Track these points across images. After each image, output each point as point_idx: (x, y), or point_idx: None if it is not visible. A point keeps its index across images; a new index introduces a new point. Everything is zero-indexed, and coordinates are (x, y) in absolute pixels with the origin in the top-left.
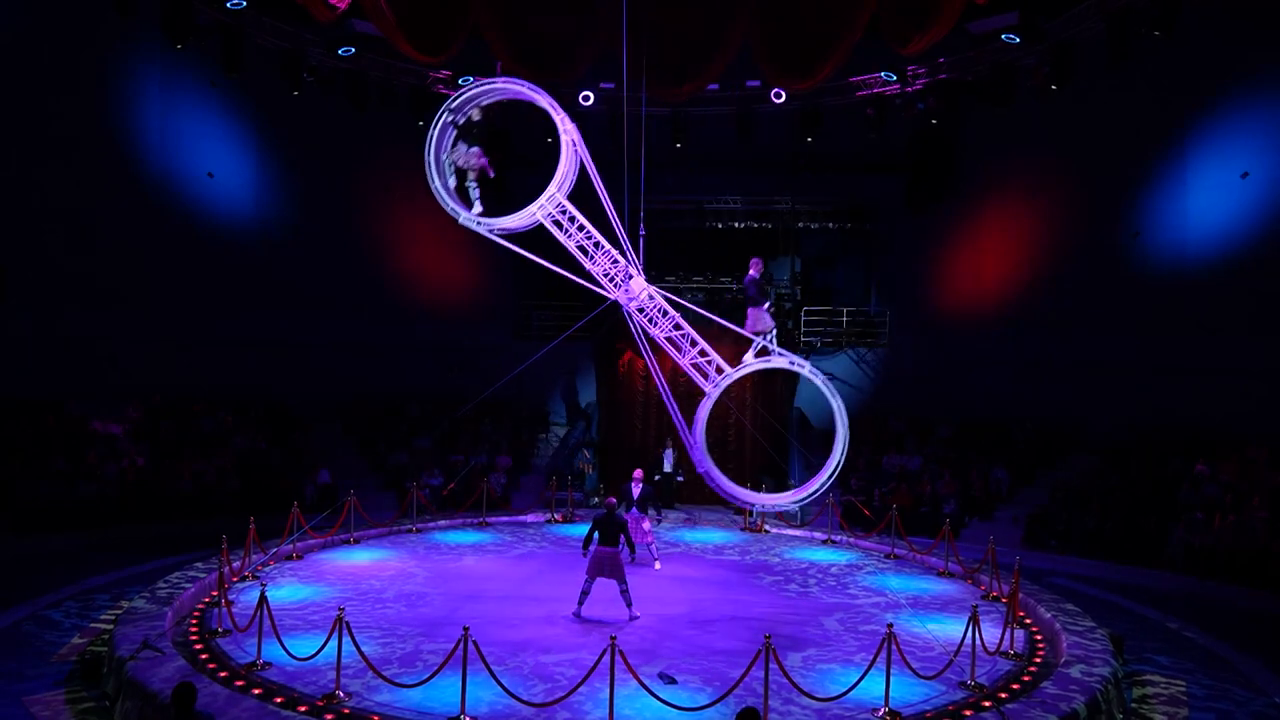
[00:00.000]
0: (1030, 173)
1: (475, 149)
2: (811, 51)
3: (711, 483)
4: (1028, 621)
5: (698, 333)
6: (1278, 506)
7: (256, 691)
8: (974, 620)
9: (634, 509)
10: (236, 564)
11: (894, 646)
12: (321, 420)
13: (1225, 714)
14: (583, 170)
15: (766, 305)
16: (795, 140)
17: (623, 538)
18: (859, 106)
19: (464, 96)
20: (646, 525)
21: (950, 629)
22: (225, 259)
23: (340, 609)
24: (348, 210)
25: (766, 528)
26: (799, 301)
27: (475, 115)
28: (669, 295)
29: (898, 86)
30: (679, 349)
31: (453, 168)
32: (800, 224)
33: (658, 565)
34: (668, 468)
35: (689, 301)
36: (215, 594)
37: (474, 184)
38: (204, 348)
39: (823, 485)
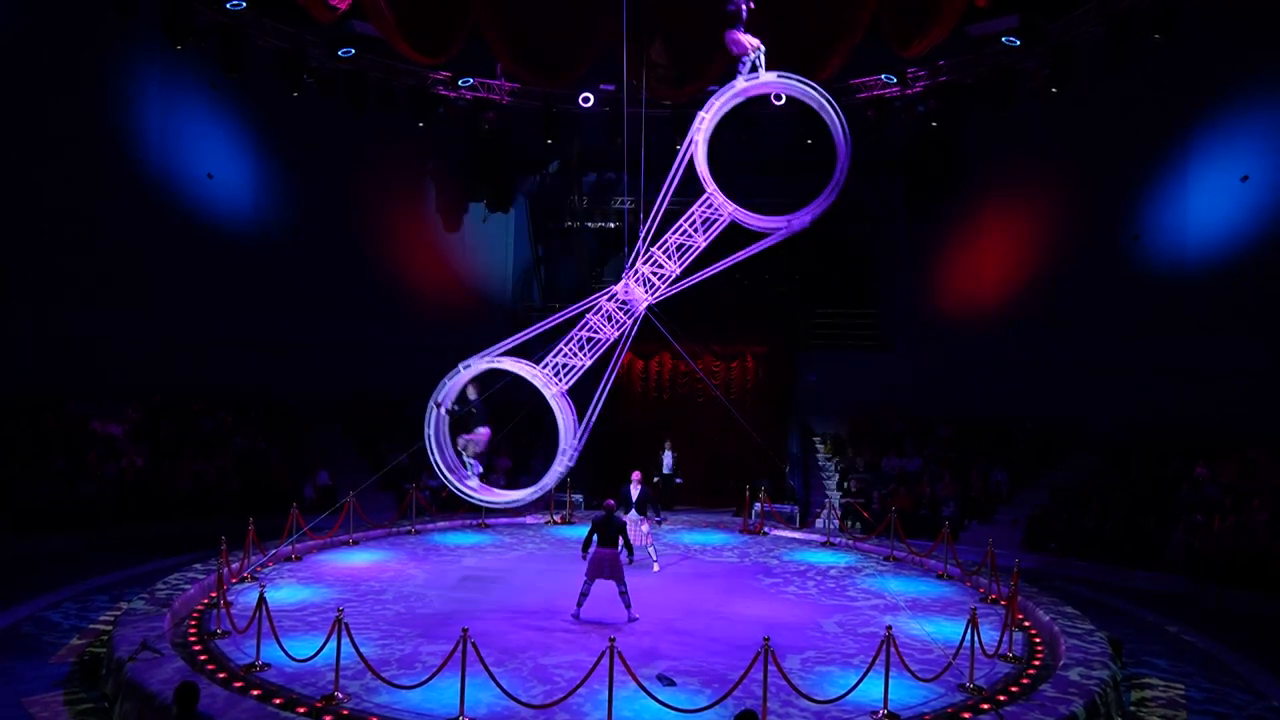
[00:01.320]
0: (1030, 174)
1: (482, 430)
2: (811, 53)
3: (434, 458)
4: (1026, 624)
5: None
6: (1278, 508)
7: (255, 693)
8: (973, 623)
9: (632, 510)
10: (235, 565)
11: (893, 649)
12: (321, 421)
13: (1224, 717)
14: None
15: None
16: (796, 141)
17: (621, 539)
18: (859, 108)
19: (441, 392)
20: (645, 527)
21: (949, 631)
22: (225, 259)
23: (339, 610)
24: (347, 211)
25: (765, 530)
26: (800, 303)
27: (471, 394)
28: (651, 316)
29: (898, 89)
30: (690, 246)
31: (469, 455)
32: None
33: (656, 567)
34: (667, 470)
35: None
36: (214, 595)
37: (474, 461)
38: (204, 348)
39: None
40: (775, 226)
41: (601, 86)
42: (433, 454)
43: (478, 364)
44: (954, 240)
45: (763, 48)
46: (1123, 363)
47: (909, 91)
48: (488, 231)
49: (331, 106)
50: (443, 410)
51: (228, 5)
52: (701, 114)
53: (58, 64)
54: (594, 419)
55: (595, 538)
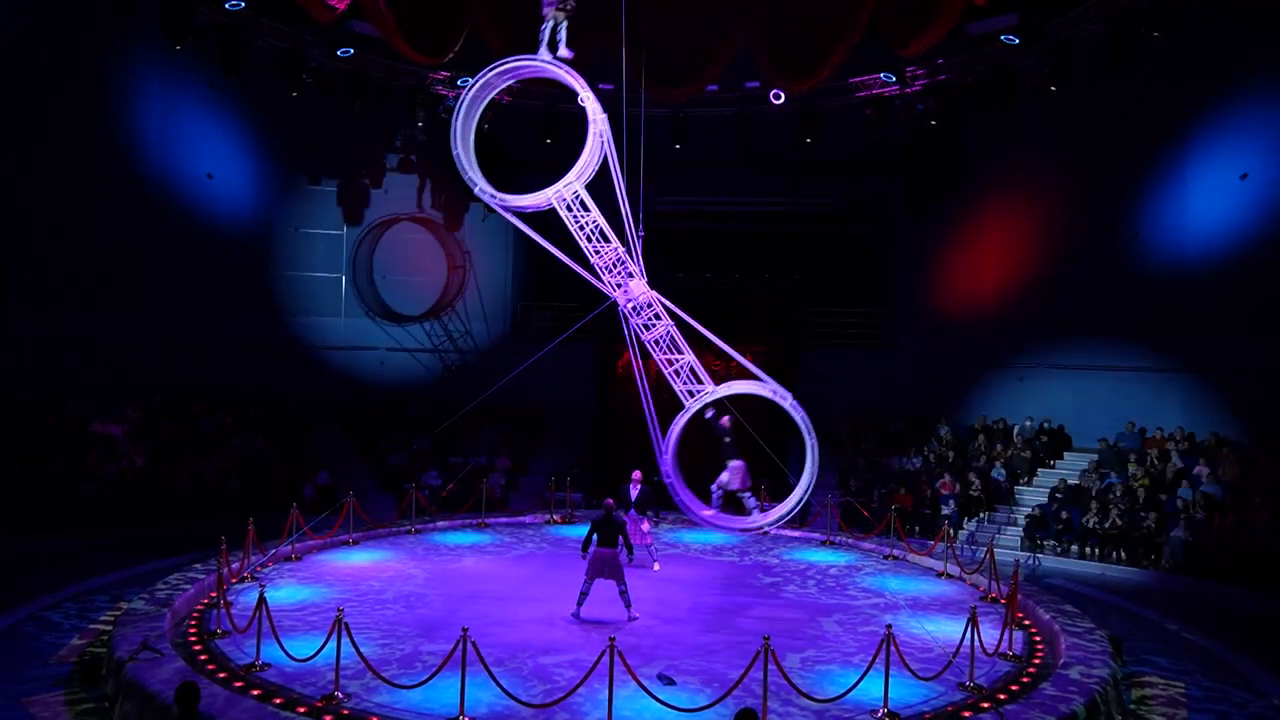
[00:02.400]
0: (1030, 173)
1: (735, 463)
2: (811, 52)
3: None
4: (1026, 623)
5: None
6: (1278, 507)
7: (255, 693)
8: (973, 621)
9: (632, 510)
10: (236, 565)
11: (893, 647)
12: (321, 421)
13: (1224, 716)
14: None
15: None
16: (795, 141)
17: (621, 539)
18: (858, 108)
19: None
20: (645, 527)
21: (949, 630)
22: (225, 259)
23: (339, 610)
24: (347, 211)
25: (766, 529)
26: (800, 302)
27: (724, 423)
28: (666, 303)
29: (897, 88)
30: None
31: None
32: (799, 225)
33: (656, 567)
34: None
35: (687, 315)
36: (214, 595)
37: (748, 496)
38: (204, 348)
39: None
40: (545, 200)
41: (601, 86)
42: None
43: (690, 406)
44: (953, 239)
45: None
46: (1122, 362)
47: (908, 90)
48: (487, 231)
49: (331, 106)
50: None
51: (227, 5)
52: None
53: (57, 64)
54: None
55: (595, 538)
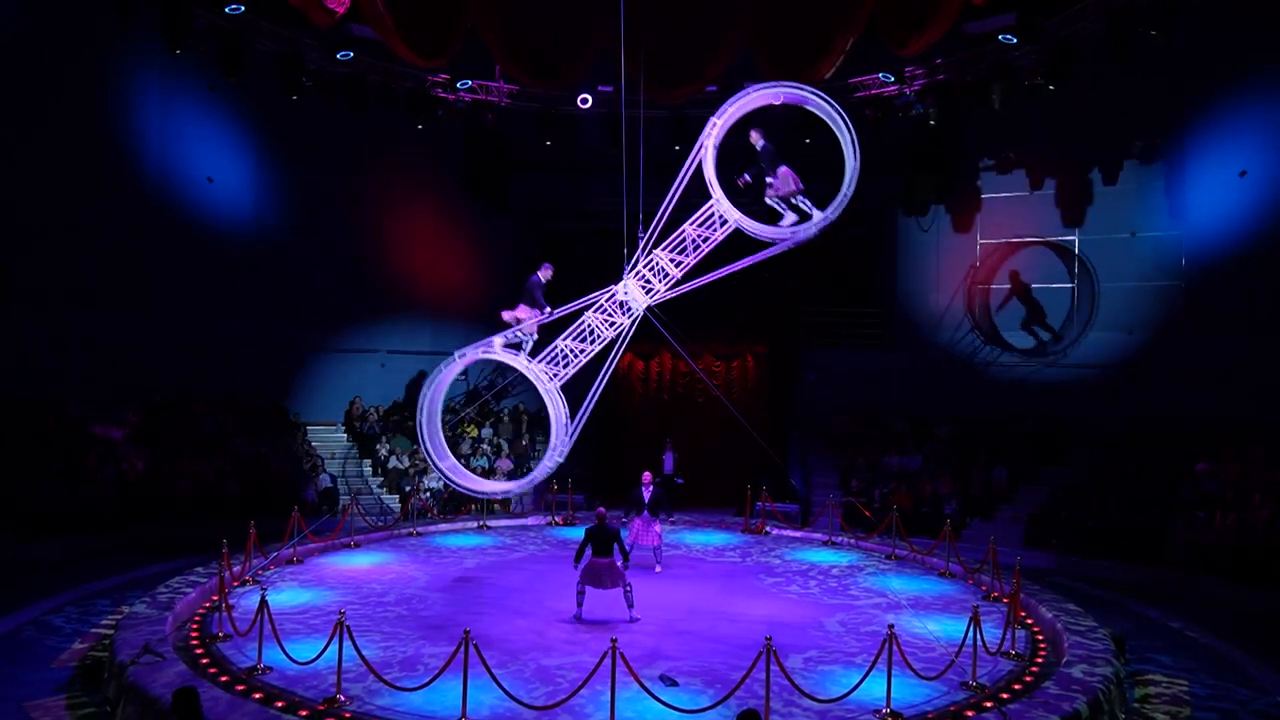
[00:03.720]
0: (1029, 172)
1: (784, 169)
2: (809, 53)
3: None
4: (1029, 622)
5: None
6: (1278, 504)
7: (257, 696)
8: (975, 621)
9: (645, 512)
10: (237, 568)
11: (895, 647)
12: (322, 423)
13: (1228, 714)
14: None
15: (538, 308)
16: (794, 141)
17: (616, 546)
18: (857, 108)
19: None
20: (658, 528)
21: (951, 629)
22: (225, 261)
23: (341, 613)
24: (347, 213)
25: (767, 529)
26: (800, 302)
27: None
28: (653, 318)
29: (896, 88)
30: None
31: (775, 199)
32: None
33: (658, 569)
34: (668, 470)
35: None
36: (216, 598)
37: (802, 199)
38: (204, 350)
39: (538, 477)
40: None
41: (600, 88)
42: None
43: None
44: (953, 237)
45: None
46: (1122, 359)
47: (907, 90)
48: (486, 233)
49: (331, 109)
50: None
51: (226, 9)
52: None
53: (57, 66)
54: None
55: (590, 547)
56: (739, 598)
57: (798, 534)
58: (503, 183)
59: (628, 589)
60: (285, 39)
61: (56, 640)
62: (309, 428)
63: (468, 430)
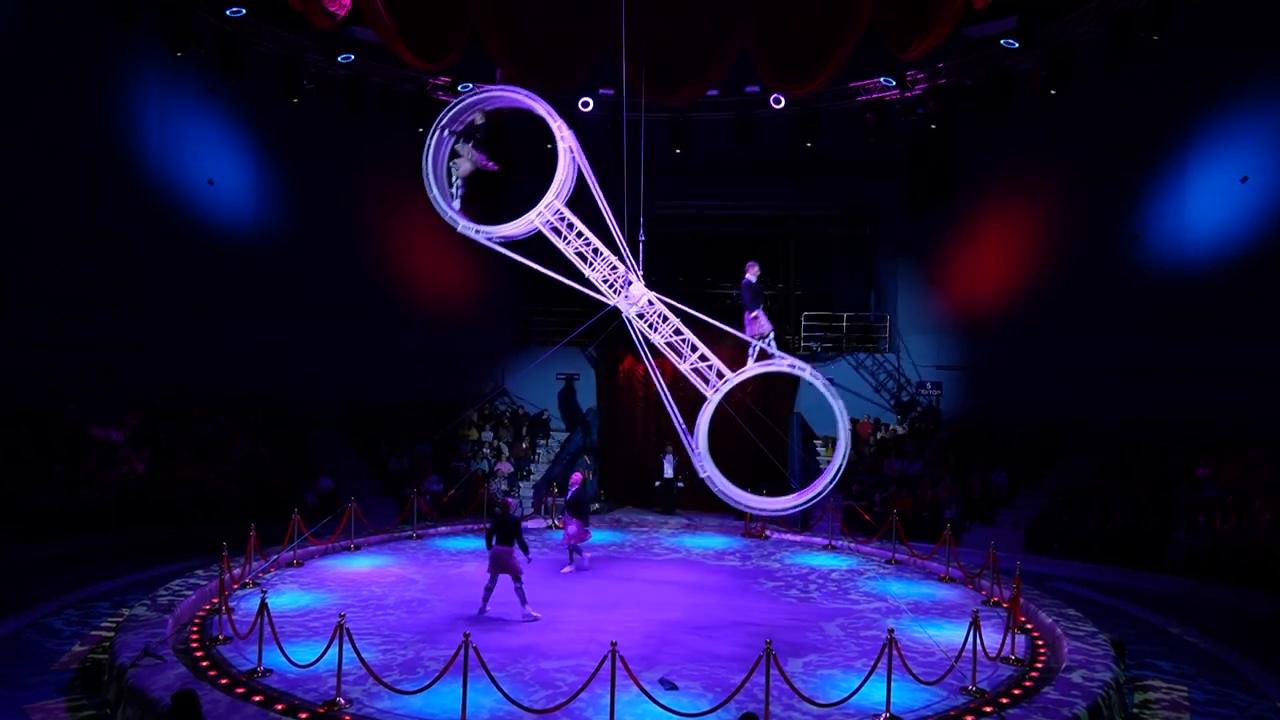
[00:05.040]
0: (1030, 175)
1: (760, 314)
2: (810, 57)
3: (714, 488)
4: (1029, 626)
5: (698, 337)
6: (1279, 508)
7: (257, 698)
8: (975, 625)
9: (565, 511)
10: (237, 571)
11: (895, 652)
12: (322, 426)
13: (1227, 719)
14: (582, 177)
15: (760, 309)
16: (795, 145)
17: (516, 539)
18: (858, 111)
19: (460, 105)
20: (572, 529)
21: (951, 634)
22: (225, 264)
23: (341, 615)
24: (348, 215)
25: (767, 533)
26: (799, 306)
27: (478, 119)
28: (668, 301)
29: (897, 91)
30: (679, 354)
31: (455, 170)
32: (800, 228)
33: (566, 569)
34: (668, 473)
35: (687, 306)
36: (216, 601)
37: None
38: (204, 353)
39: (824, 489)
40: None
41: (600, 91)
42: (431, 190)
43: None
44: (954, 241)
45: (772, 332)
46: (1123, 363)
47: (908, 94)
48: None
49: (331, 112)
50: (455, 126)
51: (227, 12)
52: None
53: (57, 69)
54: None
55: (494, 537)
56: (739, 601)
57: (798, 538)
58: (503, 185)
59: (518, 586)
60: (286, 42)
61: (57, 643)
62: (310, 429)
63: (467, 433)
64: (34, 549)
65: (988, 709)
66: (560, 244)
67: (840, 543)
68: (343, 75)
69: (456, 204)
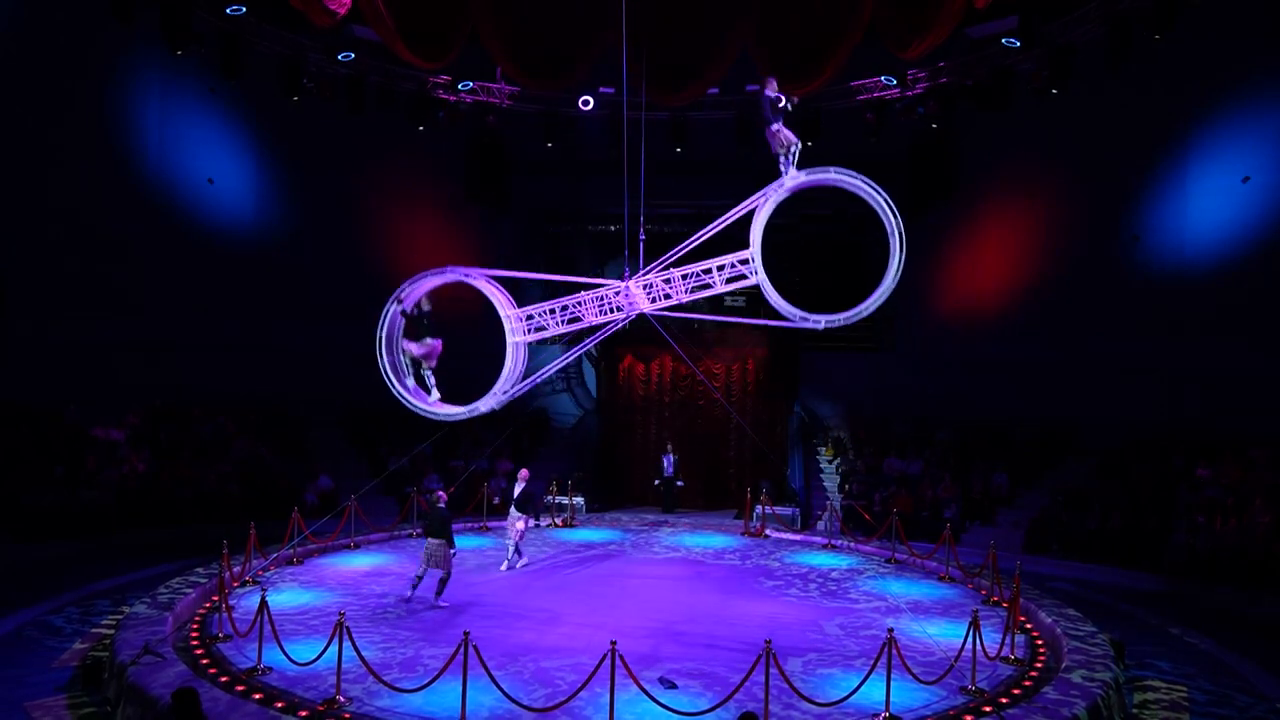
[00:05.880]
0: (1031, 175)
1: (433, 340)
2: (810, 56)
3: (381, 352)
4: (1029, 626)
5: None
6: (1279, 509)
7: (257, 696)
8: (975, 625)
9: (512, 507)
10: (237, 569)
11: (895, 651)
12: (322, 425)
13: (1227, 719)
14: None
15: (781, 122)
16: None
17: (447, 533)
18: (859, 111)
19: (408, 288)
20: (520, 525)
21: (951, 634)
22: (225, 264)
23: (341, 614)
24: (348, 214)
25: (767, 532)
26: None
27: (425, 305)
28: (662, 277)
29: (897, 91)
30: (709, 285)
31: (408, 360)
32: (800, 227)
33: (504, 567)
34: (668, 472)
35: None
36: (216, 599)
37: (429, 372)
38: (204, 352)
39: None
40: (797, 315)
41: (601, 90)
42: (381, 355)
43: (454, 273)
44: (954, 241)
45: (799, 144)
46: (1123, 363)
47: (908, 93)
48: (487, 234)
49: (331, 111)
50: (400, 308)
51: (227, 11)
52: (779, 184)
53: (57, 70)
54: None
55: (427, 529)
56: (738, 600)
57: (797, 537)
58: (504, 184)
59: (444, 577)
60: (286, 41)
61: (57, 640)
62: (310, 429)
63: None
64: (34, 549)
65: (987, 709)
66: (552, 331)
67: (840, 542)
68: (343, 74)
69: (410, 382)
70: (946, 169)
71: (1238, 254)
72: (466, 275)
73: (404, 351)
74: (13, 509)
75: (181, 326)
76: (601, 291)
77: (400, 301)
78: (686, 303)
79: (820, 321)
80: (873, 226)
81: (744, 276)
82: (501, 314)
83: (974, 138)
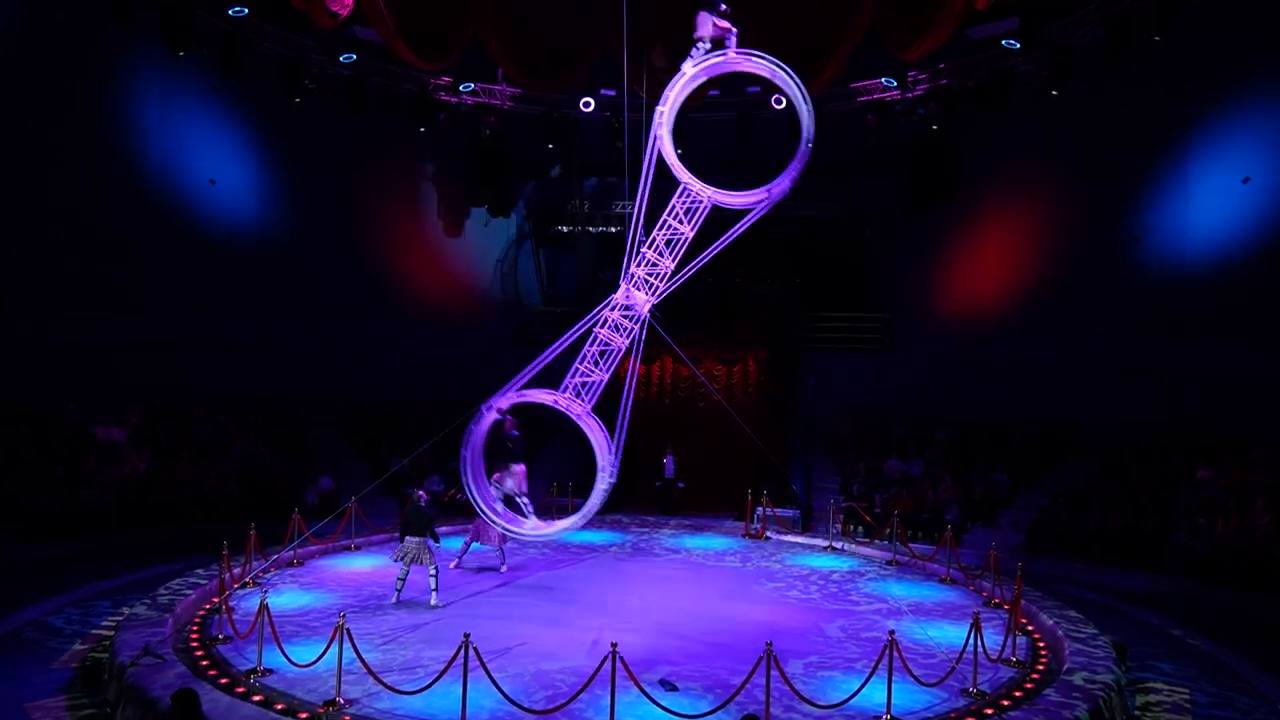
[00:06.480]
0: (1031, 176)
1: (517, 466)
2: (811, 57)
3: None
4: (1030, 628)
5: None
6: (1279, 510)
7: (257, 698)
8: (976, 627)
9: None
10: (237, 570)
11: (896, 653)
12: (322, 425)
13: None
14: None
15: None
16: (796, 145)
17: (429, 531)
18: (860, 112)
19: (473, 434)
20: (494, 532)
21: (952, 636)
22: (226, 263)
23: (341, 615)
24: (348, 215)
25: (768, 534)
26: (800, 306)
27: (509, 428)
28: (654, 328)
29: (898, 92)
30: (678, 235)
31: (499, 491)
32: (801, 229)
33: (503, 568)
34: (669, 475)
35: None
36: (216, 600)
37: (525, 500)
38: (205, 352)
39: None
40: (756, 199)
41: (602, 91)
42: (472, 496)
43: (499, 402)
44: (954, 242)
45: (735, 31)
46: (1124, 364)
47: (909, 95)
48: (489, 236)
49: (333, 112)
50: (493, 417)
51: (230, 12)
52: (659, 108)
53: (57, 69)
54: (624, 433)
55: (408, 529)
56: (739, 602)
57: (798, 539)
58: (504, 186)
59: (433, 574)
60: (288, 41)
61: (57, 641)
62: (310, 429)
63: None
64: (34, 549)
65: (989, 711)
66: (602, 378)
67: (841, 544)
68: (344, 75)
69: (499, 506)
70: (947, 170)
71: (1238, 255)
72: (555, 402)
73: (495, 484)
74: (13, 509)
75: (182, 326)
76: (608, 315)
77: (492, 410)
78: (677, 268)
79: (785, 181)
80: (876, 225)
81: (697, 202)
82: (556, 406)
83: (974, 139)
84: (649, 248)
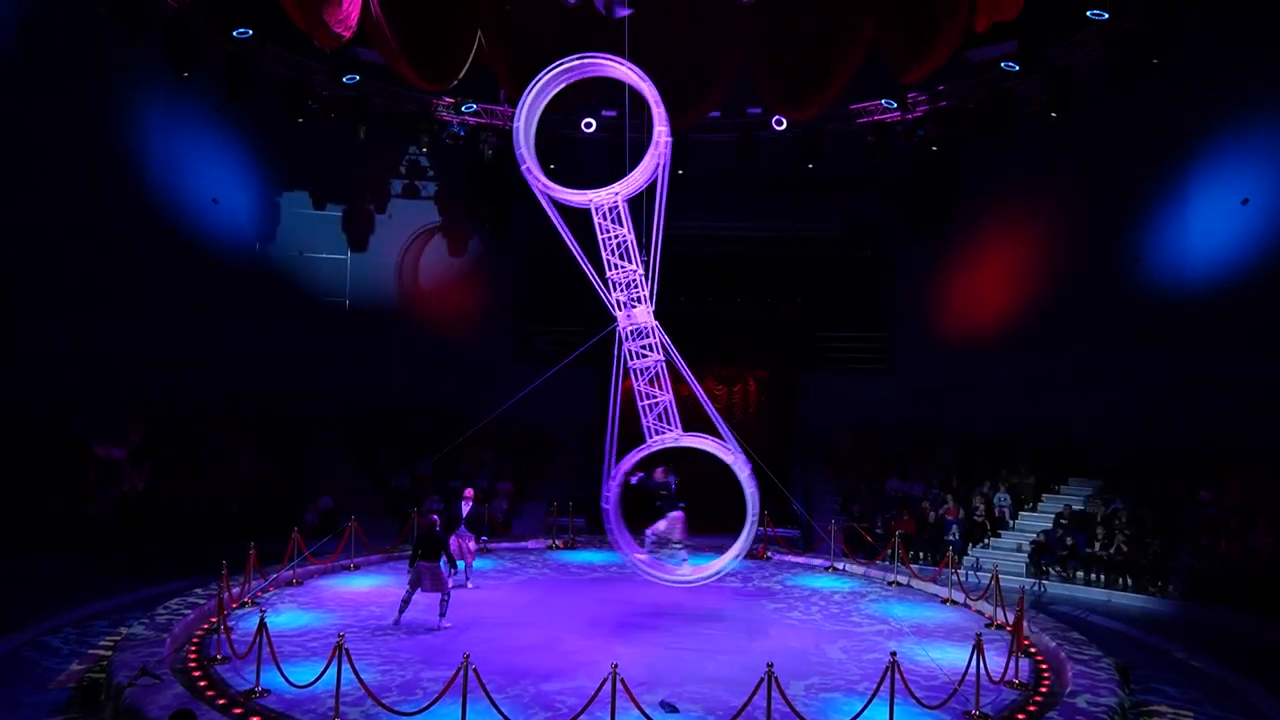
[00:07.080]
0: (1032, 196)
1: (674, 514)
2: (812, 80)
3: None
4: (1032, 650)
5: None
6: None
7: (255, 719)
8: (978, 649)
9: (462, 526)
10: (236, 590)
11: (897, 675)
12: (324, 443)
13: None
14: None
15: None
16: (797, 166)
17: (443, 554)
18: (860, 133)
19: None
20: (471, 545)
21: (954, 657)
22: (228, 281)
23: (340, 636)
24: (349, 234)
25: (769, 555)
26: (801, 325)
27: (663, 477)
28: (665, 340)
29: (898, 114)
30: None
31: (657, 539)
32: (802, 248)
33: (469, 585)
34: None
35: (678, 355)
36: (214, 620)
37: (681, 550)
38: (206, 366)
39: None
40: (585, 200)
41: (603, 112)
42: (620, 549)
43: (624, 466)
44: (955, 261)
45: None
46: (1126, 385)
47: (909, 116)
48: (488, 255)
49: (336, 132)
50: (627, 480)
51: (234, 33)
52: (518, 115)
53: (62, 86)
54: (613, 453)
55: (420, 552)
56: (740, 623)
57: (799, 559)
58: (505, 206)
59: (445, 598)
60: (291, 62)
61: (54, 661)
62: (310, 447)
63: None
64: (33, 565)
65: None
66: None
67: (842, 564)
68: (347, 96)
69: (643, 554)
70: (947, 190)
71: (1237, 276)
72: (676, 440)
73: (655, 535)
74: (12, 526)
75: (184, 338)
76: (628, 349)
77: (617, 479)
78: (650, 262)
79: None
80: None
81: (613, 207)
82: (720, 455)
83: (974, 159)
84: (610, 269)
